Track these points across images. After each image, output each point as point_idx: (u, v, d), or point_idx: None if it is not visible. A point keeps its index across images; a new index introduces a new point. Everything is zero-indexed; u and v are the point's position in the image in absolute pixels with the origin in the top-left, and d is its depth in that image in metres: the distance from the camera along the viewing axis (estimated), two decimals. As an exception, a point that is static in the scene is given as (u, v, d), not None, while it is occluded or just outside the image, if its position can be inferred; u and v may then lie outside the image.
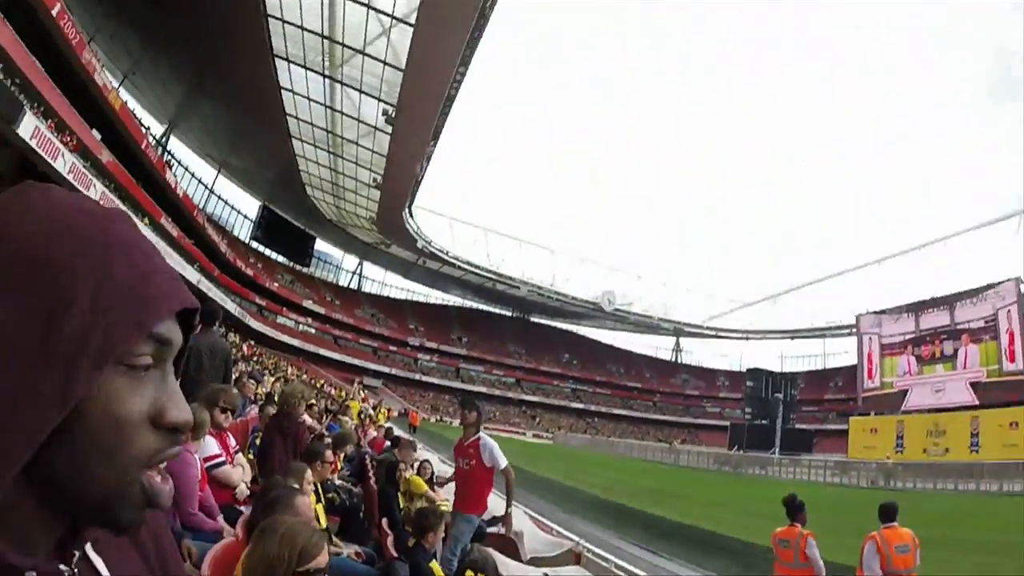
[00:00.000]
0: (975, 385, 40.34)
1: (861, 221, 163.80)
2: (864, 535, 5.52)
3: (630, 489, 19.81)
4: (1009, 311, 39.70)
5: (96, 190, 22.62)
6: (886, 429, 42.51)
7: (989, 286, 42.74)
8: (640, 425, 77.87)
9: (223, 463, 3.87)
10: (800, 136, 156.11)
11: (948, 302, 44.47)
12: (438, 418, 61.71)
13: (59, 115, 21.02)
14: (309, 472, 3.94)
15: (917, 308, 46.99)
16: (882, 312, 50.17)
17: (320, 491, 4.44)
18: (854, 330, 54.70)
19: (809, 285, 74.91)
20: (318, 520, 3.98)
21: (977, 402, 39.16)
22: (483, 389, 72.98)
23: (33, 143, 17.97)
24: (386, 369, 66.96)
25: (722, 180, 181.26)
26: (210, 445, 3.73)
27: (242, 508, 3.94)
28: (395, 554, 3.78)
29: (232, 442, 4.17)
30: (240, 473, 4.07)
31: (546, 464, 25.90)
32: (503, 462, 5.17)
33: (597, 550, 6.77)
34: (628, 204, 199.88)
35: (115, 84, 30.17)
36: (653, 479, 25.43)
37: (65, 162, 20.09)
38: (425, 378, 70.21)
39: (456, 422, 62.04)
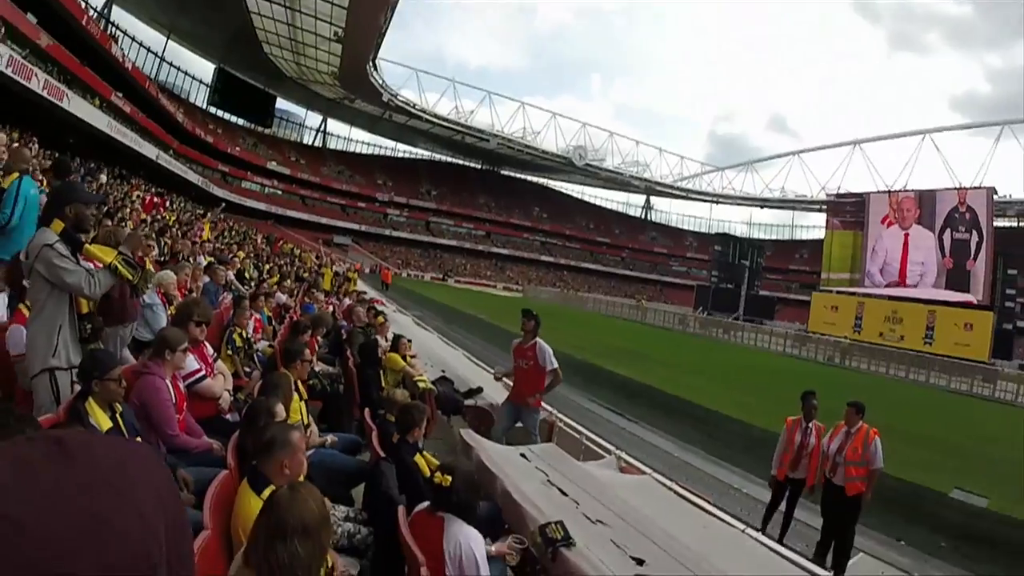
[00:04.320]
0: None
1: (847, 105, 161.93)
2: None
3: (599, 348, 20.52)
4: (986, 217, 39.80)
5: (39, 79, 20.96)
6: (846, 308, 43.84)
7: (965, 188, 42.84)
8: (608, 279, 79.99)
9: (203, 377, 3.86)
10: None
11: (921, 196, 43.93)
12: (409, 273, 62.40)
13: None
14: (293, 377, 3.98)
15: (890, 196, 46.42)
16: (853, 195, 49.79)
17: (300, 388, 4.48)
18: (824, 206, 55.06)
19: (780, 157, 75.02)
20: (302, 418, 4.08)
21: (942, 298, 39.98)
22: (453, 242, 73.47)
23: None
24: (355, 226, 66.45)
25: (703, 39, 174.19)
26: (188, 361, 3.69)
27: (228, 417, 3.99)
28: (381, 452, 3.88)
29: (210, 351, 4.13)
30: (221, 382, 4.07)
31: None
32: (554, 364, 6.06)
33: (568, 420, 7.11)
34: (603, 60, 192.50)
35: (46, -39, 27.13)
36: (621, 337, 26.47)
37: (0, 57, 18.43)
38: (395, 233, 69.90)
39: (428, 276, 63.37)
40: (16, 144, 12.67)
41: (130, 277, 3.17)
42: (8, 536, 0.44)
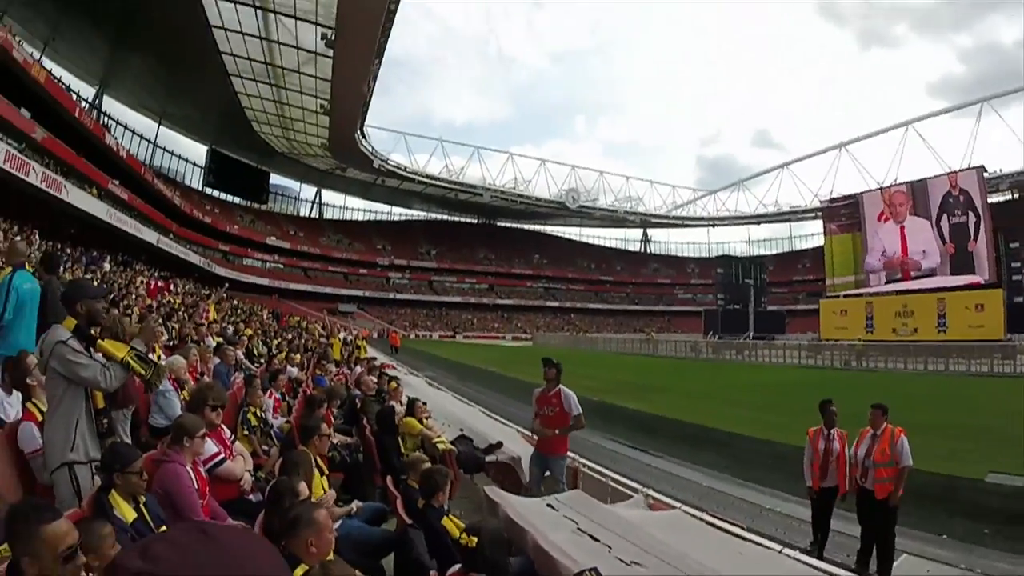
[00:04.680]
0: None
1: (827, 109, 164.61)
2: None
3: (613, 386, 20.28)
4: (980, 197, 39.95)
5: (36, 172, 21.49)
6: (856, 310, 43.48)
7: (955, 171, 43.11)
8: (616, 316, 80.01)
9: (223, 460, 3.86)
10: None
11: (913, 187, 44.08)
12: (418, 334, 62.44)
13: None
14: (312, 454, 3.97)
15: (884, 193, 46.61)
16: (846, 198, 49.96)
17: (321, 464, 4.44)
18: (819, 213, 55.29)
19: (770, 171, 75.80)
20: (324, 493, 4.05)
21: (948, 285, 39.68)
22: (458, 299, 73.83)
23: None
24: (359, 292, 67.07)
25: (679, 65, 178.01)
26: (207, 446, 3.69)
27: (251, 497, 3.97)
28: (407, 520, 3.84)
29: (227, 433, 4.15)
30: (242, 464, 4.07)
31: (529, 368, 26.24)
32: (579, 409, 6.09)
33: (592, 463, 7.00)
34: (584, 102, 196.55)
35: (37, 56, 28.40)
36: (634, 373, 26.21)
37: (-4, 153, 18.94)
38: (399, 296, 70.56)
39: (436, 334, 63.40)
40: (17, 238, 12.94)
41: (143, 372, 3.20)
42: None
